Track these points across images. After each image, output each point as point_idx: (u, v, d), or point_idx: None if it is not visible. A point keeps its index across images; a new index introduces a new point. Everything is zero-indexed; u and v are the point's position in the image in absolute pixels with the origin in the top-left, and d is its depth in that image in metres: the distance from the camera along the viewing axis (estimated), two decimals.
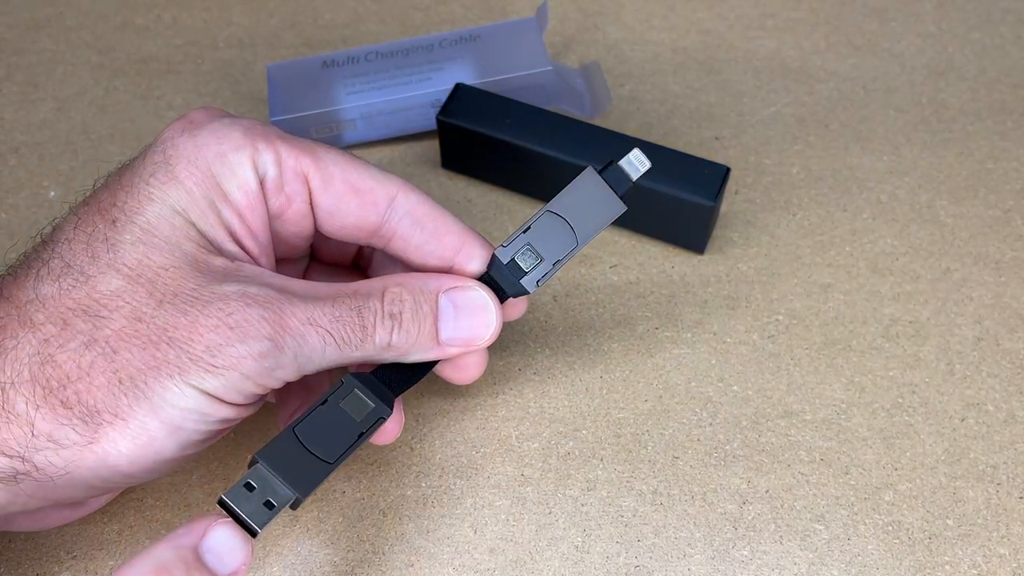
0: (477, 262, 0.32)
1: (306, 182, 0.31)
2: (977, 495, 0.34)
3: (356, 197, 0.31)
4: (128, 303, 0.27)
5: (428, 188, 0.43)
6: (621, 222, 0.41)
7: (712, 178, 0.38)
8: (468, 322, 0.31)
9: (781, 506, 0.34)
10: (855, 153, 0.44)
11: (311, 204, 0.31)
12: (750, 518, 0.34)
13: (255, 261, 0.31)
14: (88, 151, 0.45)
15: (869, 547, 0.33)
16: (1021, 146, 0.44)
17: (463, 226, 0.32)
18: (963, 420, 0.36)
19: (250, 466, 0.28)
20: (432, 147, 0.45)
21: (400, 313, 0.30)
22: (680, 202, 0.38)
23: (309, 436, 0.28)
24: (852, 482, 0.35)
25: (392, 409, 0.30)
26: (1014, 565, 0.33)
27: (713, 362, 0.38)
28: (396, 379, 0.31)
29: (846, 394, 0.37)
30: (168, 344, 0.27)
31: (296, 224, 0.32)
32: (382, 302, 0.30)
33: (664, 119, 0.46)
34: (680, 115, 0.46)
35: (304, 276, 0.36)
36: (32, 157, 0.45)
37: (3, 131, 0.46)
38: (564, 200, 0.31)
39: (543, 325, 0.39)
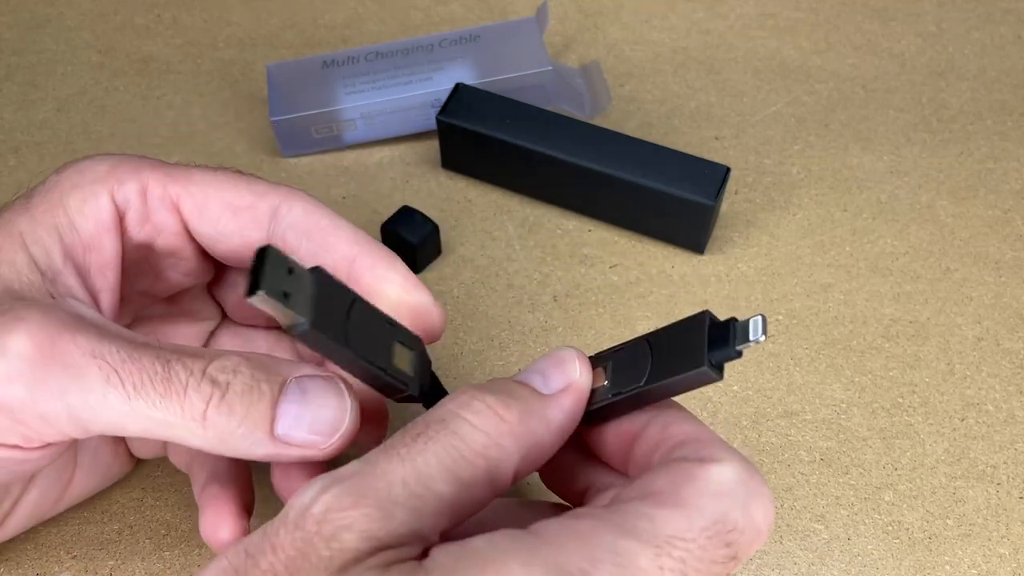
0: (372, 274, 0.28)
1: (177, 210, 0.29)
2: (977, 495, 0.34)
3: (234, 216, 0.28)
4: None
5: (428, 188, 0.43)
6: (621, 222, 0.41)
7: (712, 178, 0.38)
8: (319, 414, 0.25)
9: (781, 506, 0.34)
10: (855, 153, 0.44)
11: (188, 234, 0.29)
12: None
13: (94, 298, 0.27)
14: (88, 151, 0.45)
15: (869, 547, 0.33)
16: (1021, 146, 0.44)
17: (359, 235, 0.28)
18: (963, 420, 0.36)
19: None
20: (432, 147, 0.45)
21: (227, 383, 0.24)
22: (680, 202, 0.38)
23: (357, 323, 0.24)
24: (852, 482, 0.35)
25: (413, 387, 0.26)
26: (1014, 565, 0.33)
27: None
28: None
29: (846, 394, 0.37)
30: None
31: (172, 256, 0.29)
32: (206, 365, 0.24)
33: (664, 119, 0.46)
34: (680, 115, 0.46)
35: (210, 337, 0.33)
36: (32, 157, 0.45)
37: (3, 131, 0.46)
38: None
39: (543, 325, 0.39)
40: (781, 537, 0.34)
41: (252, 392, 0.24)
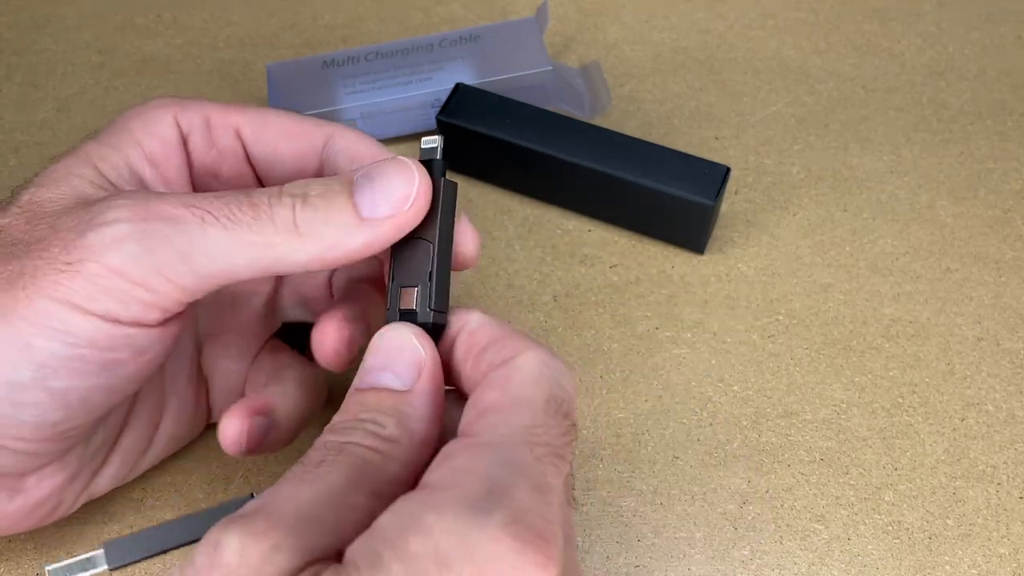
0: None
1: (238, 137, 0.30)
2: (977, 495, 0.34)
3: (291, 140, 0.30)
4: (7, 233, 0.26)
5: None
6: (621, 222, 0.41)
7: (712, 178, 0.38)
8: (389, 185, 0.26)
9: (781, 506, 0.34)
10: (855, 153, 0.44)
11: (248, 162, 0.31)
12: (750, 518, 0.34)
13: None
14: None
15: (869, 547, 0.33)
16: (1021, 146, 0.44)
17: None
18: (963, 420, 0.36)
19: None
20: None
21: (304, 194, 0.26)
22: (680, 202, 0.38)
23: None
24: (852, 482, 0.35)
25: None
26: (1014, 565, 0.33)
27: (713, 362, 0.38)
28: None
29: (846, 394, 0.37)
30: (27, 256, 0.25)
31: (235, 184, 0.31)
32: (280, 189, 0.27)
33: (664, 119, 0.46)
34: (680, 115, 0.46)
35: (275, 289, 0.35)
36: (32, 157, 0.45)
37: (3, 131, 0.46)
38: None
39: (543, 325, 0.39)
40: (781, 537, 0.34)
41: (327, 192, 0.26)
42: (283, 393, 0.31)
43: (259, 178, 0.32)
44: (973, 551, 0.33)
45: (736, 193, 0.43)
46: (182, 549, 0.26)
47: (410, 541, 0.20)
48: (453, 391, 0.27)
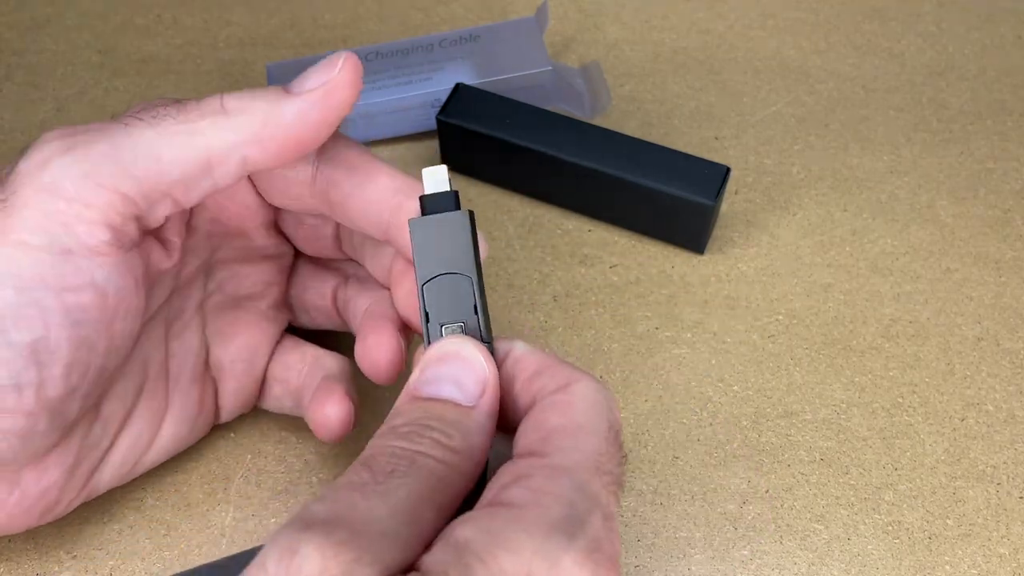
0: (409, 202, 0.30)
1: (253, 188, 0.31)
2: (977, 495, 0.34)
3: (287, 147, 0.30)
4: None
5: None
6: (621, 222, 0.41)
7: (712, 178, 0.38)
8: (315, 68, 0.27)
9: (781, 506, 0.34)
10: (855, 153, 0.44)
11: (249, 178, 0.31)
12: (750, 518, 0.34)
13: (164, 244, 0.30)
14: None
15: (869, 547, 0.33)
16: (1021, 146, 0.44)
17: (393, 169, 0.30)
18: (963, 420, 0.36)
19: None
20: (432, 147, 0.45)
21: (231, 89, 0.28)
22: (680, 202, 0.38)
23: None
24: (852, 482, 0.35)
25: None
26: (1014, 565, 0.33)
27: (713, 362, 0.38)
28: None
29: (846, 394, 0.37)
30: None
31: (231, 197, 0.31)
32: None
33: (664, 119, 0.46)
34: (680, 115, 0.46)
35: (290, 274, 0.35)
36: None
37: (3, 131, 0.46)
38: (422, 264, 0.27)
39: (543, 325, 0.39)
40: (781, 537, 0.34)
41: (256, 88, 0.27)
42: (336, 379, 0.32)
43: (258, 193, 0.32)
44: (973, 551, 0.33)
45: (736, 193, 0.43)
46: None
47: (501, 558, 0.20)
48: None
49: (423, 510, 0.22)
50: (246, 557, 0.22)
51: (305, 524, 0.20)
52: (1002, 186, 0.43)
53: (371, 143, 0.45)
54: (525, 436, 0.24)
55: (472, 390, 0.25)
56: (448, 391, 0.25)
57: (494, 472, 0.24)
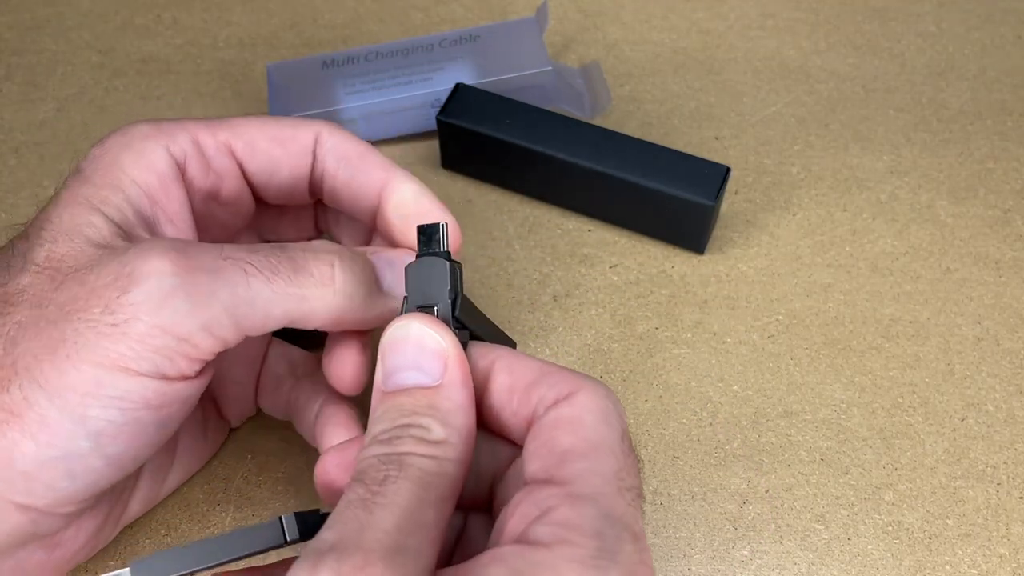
0: (403, 191, 0.31)
1: (232, 154, 0.30)
2: (977, 495, 0.34)
3: (282, 147, 0.30)
4: (32, 294, 0.25)
5: (428, 188, 0.43)
6: (621, 222, 0.41)
7: (712, 178, 0.38)
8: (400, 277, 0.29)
9: (781, 506, 0.34)
10: (855, 153, 0.44)
11: (244, 177, 0.31)
12: (750, 518, 0.34)
13: None
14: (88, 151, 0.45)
15: (869, 547, 0.33)
16: (1021, 146, 0.44)
17: (386, 161, 0.31)
18: (963, 420, 0.36)
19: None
20: (432, 147, 0.45)
21: (336, 251, 0.28)
22: (680, 202, 0.38)
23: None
24: (852, 482, 0.35)
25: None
26: (1014, 565, 0.33)
27: (713, 362, 0.38)
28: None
29: (846, 394, 0.37)
30: (65, 320, 0.25)
31: (235, 203, 0.31)
32: (309, 244, 0.28)
33: (664, 119, 0.46)
34: (680, 115, 0.46)
35: None
36: (32, 157, 0.45)
37: (3, 131, 0.46)
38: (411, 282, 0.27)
39: (543, 325, 0.39)
40: (781, 537, 0.34)
41: (357, 258, 0.28)
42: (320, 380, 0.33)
43: (256, 193, 0.32)
44: (973, 551, 0.33)
45: (736, 193, 0.43)
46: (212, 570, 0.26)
47: None
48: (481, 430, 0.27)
49: (425, 512, 0.22)
50: (255, 531, 0.23)
51: (318, 555, 0.20)
52: (1002, 186, 0.43)
53: (371, 143, 0.45)
54: (538, 458, 0.23)
55: (433, 368, 0.24)
56: (412, 378, 0.24)
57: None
